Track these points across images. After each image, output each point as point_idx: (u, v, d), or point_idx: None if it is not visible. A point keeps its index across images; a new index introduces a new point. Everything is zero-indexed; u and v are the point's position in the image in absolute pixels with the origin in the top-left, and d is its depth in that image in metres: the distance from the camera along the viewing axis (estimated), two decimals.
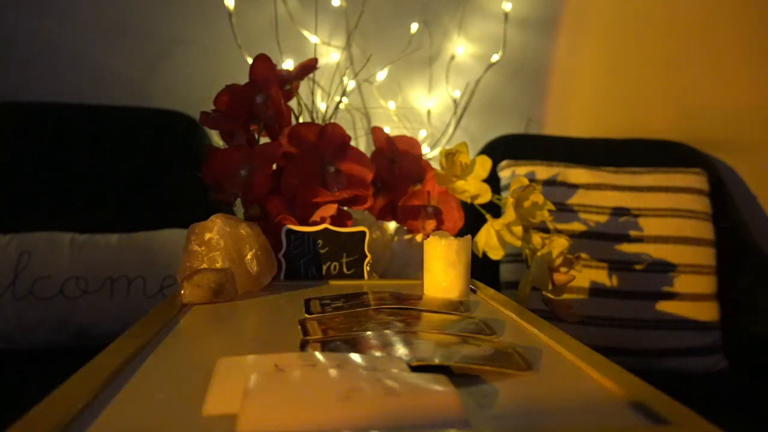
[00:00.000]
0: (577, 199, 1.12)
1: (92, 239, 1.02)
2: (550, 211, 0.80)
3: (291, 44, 1.33)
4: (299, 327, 0.51)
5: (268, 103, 0.83)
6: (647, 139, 1.32)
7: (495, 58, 1.37)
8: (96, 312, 0.97)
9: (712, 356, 1.04)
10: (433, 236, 0.66)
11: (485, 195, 0.86)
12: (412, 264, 0.91)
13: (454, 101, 1.38)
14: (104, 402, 0.35)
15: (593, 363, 0.43)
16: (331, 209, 0.81)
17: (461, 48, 1.38)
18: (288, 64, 1.28)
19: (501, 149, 1.26)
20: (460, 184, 0.85)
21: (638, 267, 1.06)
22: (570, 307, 0.80)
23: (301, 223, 0.78)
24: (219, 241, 0.65)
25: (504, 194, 1.15)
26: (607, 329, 1.05)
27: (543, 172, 1.14)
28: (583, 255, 1.06)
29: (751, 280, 1.14)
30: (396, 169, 0.93)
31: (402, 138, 0.97)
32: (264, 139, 0.87)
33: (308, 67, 0.93)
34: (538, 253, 0.79)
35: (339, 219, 0.82)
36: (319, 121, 1.26)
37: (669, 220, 1.09)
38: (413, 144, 0.96)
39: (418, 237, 0.92)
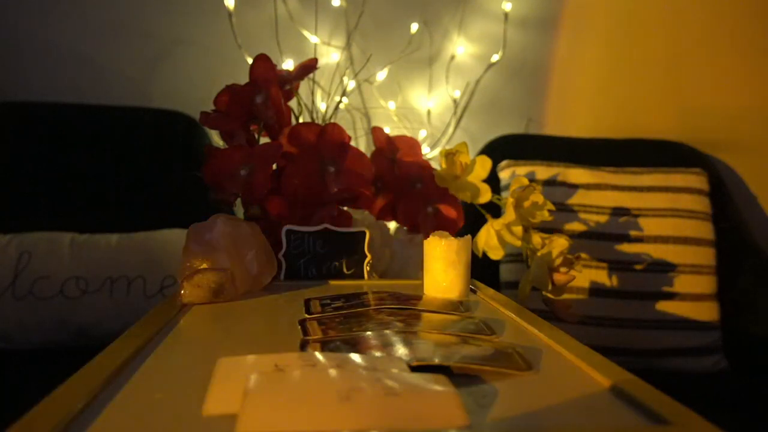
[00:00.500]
0: (577, 199, 1.12)
1: (92, 239, 1.02)
2: (550, 211, 0.80)
3: (291, 44, 1.33)
4: (299, 327, 0.51)
5: (268, 103, 0.83)
6: (647, 139, 1.32)
7: (495, 58, 1.37)
8: (96, 312, 0.97)
9: (712, 356, 1.04)
10: (433, 236, 0.66)
11: (485, 195, 0.86)
12: (412, 264, 0.91)
13: (454, 101, 1.38)
14: (104, 402, 0.35)
15: (593, 363, 0.43)
16: (331, 209, 0.81)
17: (461, 48, 1.38)
18: (288, 64, 1.28)
19: (501, 149, 1.26)
20: (460, 184, 0.85)
21: (638, 267, 1.06)
22: (570, 307, 0.80)
23: (301, 223, 0.78)
24: (219, 241, 0.64)
25: (504, 194, 1.15)
26: (607, 329, 1.05)
27: (543, 172, 1.14)
28: (583, 255, 1.06)
29: (751, 280, 1.14)
30: (396, 169, 0.93)
31: (402, 138, 0.97)
32: (264, 139, 0.87)
33: (308, 67, 0.92)
34: (538, 253, 0.79)
35: (339, 219, 0.82)
36: (319, 121, 1.26)
37: (669, 220, 1.09)
38: (413, 144, 0.96)
39: (418, 237, 0.92)
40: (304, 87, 1.24)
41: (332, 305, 0.59)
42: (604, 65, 1.40)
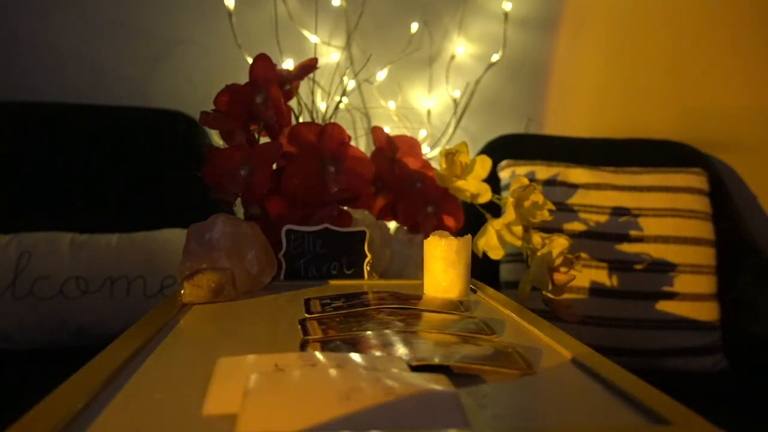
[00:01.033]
0: (577, 199, 1.12)
1: (92, 239, 1.02)
2: (550, 211, 0.80)
3: (291, 44, 1.33)
4: (299, 327, 0.51)
5: (268, 103, 0.83)
6: (647, 139, 1.32)
7: (495, 58, 1.37)
8: (96, 312, 0.97)
9: (712, 356, 1.04)
10: (433, 236, 0.66)
11: (485, 195, 0.86)
12: (412, 264, 0.91)
13: (454, 101, 1.38)
14: (104, 402, 0.35)
15: (593, 363, 0.43)
16: (331, 209, 0.81)
17: (461, 48, 1.38)
18: (288, 64, 1.28)
19: (501, 149, 1.26)
20: (460, 184, 0.85)
21: (638, 267, 1.06)
22: (570, 307, 0.80)
23: (301, 223, 0.78)
24: (219, 241, 0.64)
25: (504, 194, 1.15)
26: (607, 329, 1.05)
27: (543, 172, 1.14)
28: (583, 255, 1.06)
29: (751, 280, 1.14)
30: (396, 169, 0.93)
31: (402, 138, 0.97)
32: (264, 139, 0.87)
33: (308, 67, 0.93)
34: (538, 253, 0.79)
35: (339, 219, 0.82)
36: (319, 121, 1.26)
37: (669, 220, 1.09)
38: (413, 144, 0.96)
39: (418, 237, 0.92)
40: (304, 87, 1.24)
41: (332, 305, 0.59)
42: (604, 65, 1.40)
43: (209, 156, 0.81)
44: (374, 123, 1.37)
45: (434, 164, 1.00)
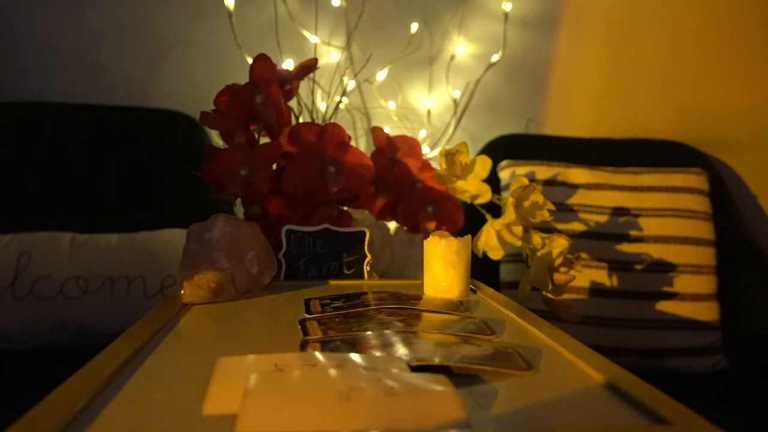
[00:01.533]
0: (577, 199, 1.12)
1: (92, 239, 1.02)
2: (550, 211, 0.80)
3: (291, 44, 1.33)
4: (299, 327, 0.51)
5: (268, 103, 0.83)
6: (647, 139, 1.32)
7: (495, 58, 1.37)
8: (96, 312, 0.97)
9: (712, 356, 1.04)
10: (433, 236, 0.66)
11: (485, 195, 0.86)
12: (412, 264, 0.91)
13: (454, 101, 1.38)
14: (104, 402, 0.35)
15: (593, 363, 0.43)
16: (331, 209, 0.81)
17: (461, 48, 1.38)
18: (288, 64, 1.28)
19: (501, 149, 1.26)
20: (460, 184, 0.85)
21: (638, 267, 1.06)
22: (570, 307, 0.80)
23: (301, 223, 0.78)
24: (219, 241, 0.64)
25: (504, 194, 1.15)
26: (607, 329, 1.05)
27: (543, 172, 1.14)
28: (583, 255, 1.06)
29: (751, 280, 1.14)
30: (396, 169, 0.93)
31: (402, 138, 0.97)
32: (264, 139, 0.87)
33: (308, 67, 0.92)
34: (538, 253, 0.79)
35: (339, 219, 0.82)
36: (319, 121, 1.26)
37: (669, 220, 1.09)
38: (413, 144, 0.96)
39: (418, 237, 0.92)
40: (304, 87, 1.24)
41: (332, 305, 0.59)
42: (604, 65, 1.40)
43: (209, 156, 0.81)
44: (374, 123, 1.37)
45: (434, 164, 1.00)
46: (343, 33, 1.35)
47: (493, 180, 0.99)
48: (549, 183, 1.13)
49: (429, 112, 1.39)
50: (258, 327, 0.55)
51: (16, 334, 0.96)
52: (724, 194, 1.22)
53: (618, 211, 1.10)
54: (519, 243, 0.81)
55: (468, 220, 0.93)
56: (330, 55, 1.35)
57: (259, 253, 0.67)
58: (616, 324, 1.04)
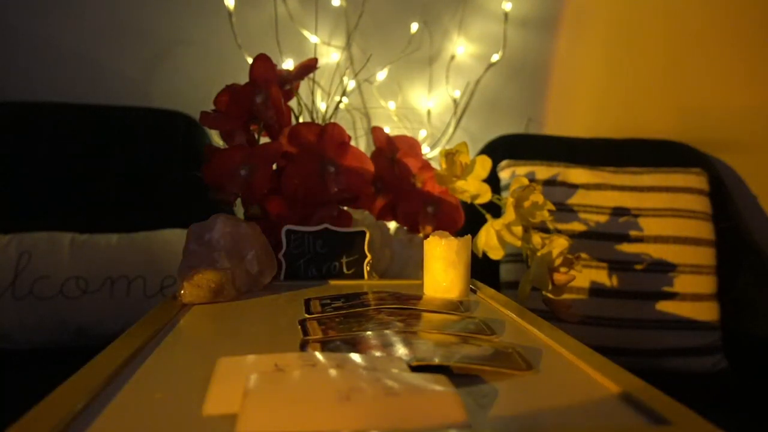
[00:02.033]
0: (577, 199, 1.12)
1: (92, 239, 1.02)
2: (550, 211, 0.80)
3: (291, 44, 1.33)
4: (299, 327, 0.51)
5: (268, 103, 0.83)
6: (647, 139, 1.32)
7: (495, 58, 1.37)
8: (96, 312, 0.97)
9: (712, 356, 1.04)
10: (433, 236, 0.66)
11: (485, 195, 0.86)
12: (412, 264, 0.91)
13: (454, 101, 1.38)
14: (104, 402, 0.35)
15: (593, 363, 0.43)
16: (331, 209, 0.81)
17: (461, 48, 1.38)
18: (288, 64, 1.28)
19: (501, 149, 1.26)
20: (460, 184, 0.85)
21: (638, 267, 1.06)
22: (570, 307, 0.80)
23: (301, 223, 0.78)
24: (219, 241, 0.64)
25: (504, 194, 1.15)
26: (607, 329, 1.05)
27: (543, 172, 1.14)
28: (583, 255, 1.06)
29: (751, 280, 1.14)
30: (396, 169, 0.93)
31: (402, 138, 0.97)
32: (264, 139, 0.87)
33: (308, 67, 0.92)
34: (538, 253, 0.79)
35: (339, 219, 0.82)
36: (319, 121, 1.26)
37: (669, 220, 1.09)
38: (413, 144, 0.96)
39: (418, 237, 0.92)
40: (304, 87, 1.24)
41: (332, 305, 0.59)
42: (604, 65, 1.40)
43: (209, 156, 0.81)
44: (374, 123, 1.37)
45: (434, 164, 1.00)
46: (343, 33, 1.35)
47: (493, 180, 0.99)
48: (549, 183, 1.13)
49: (429, 112, 1.39)
50: (258, 327, 0.55)
51: (16, 334, 0.96)
52: (724, 194, 1.22)
53: (618, 211, 1.10)
54: (519, 243, 0.81)
55: (468, 220, 0.93)
56: (330, 55, 1.35)
57: (259, 253, 0.67)
58: (616, 324, 1.04)
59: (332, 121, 1.21)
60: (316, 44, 1.33)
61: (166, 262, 1.01)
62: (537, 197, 0.80)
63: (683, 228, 1.09)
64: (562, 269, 0.78)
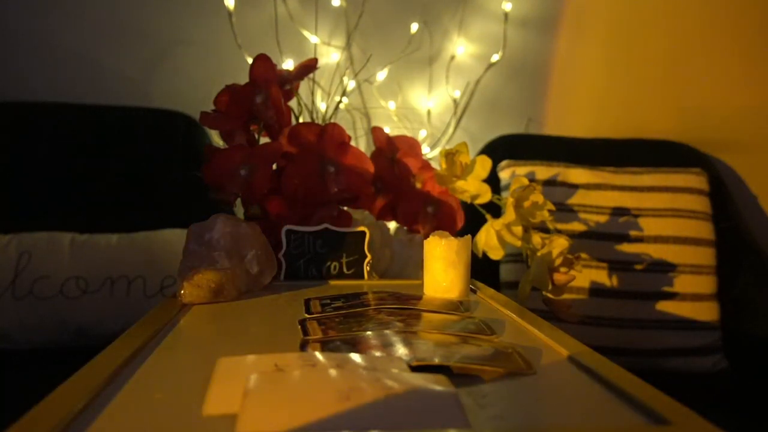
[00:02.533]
0: (577, 199, 1.12)
1: (92, 239, 1.02)
2: (550, 211, 0.80)
3: (291, 44, 1.33)
4: (299, 327, 0.51)
5: (268, 103, 0.83)
6: (647, 139, 1.32)
7: (495, 58, 1.37)
8: (96, 312, 0.97)
9: (712, 356, 1.04)
10: (433, 236, 0.66)
11: (485, 195, 0.86)
12: (412, 264, 0.91)
13: (454, 101, 1.38)
14: (104, 402, 0.35)
15: (593, 363, 0.43)
16: (331, 209, 0.81)
17: (461, 48, 1.38)
18: (288, 64, 1.28)
19: (501, 149, 1.26)
20: (460, 184, 0.85)
21: (638, 267, 1.06)
22: (570, 307, 0.80)
23: (301, 223, 0.78)
24: (219, 241, 0.64)
25: (504, 194, 1.15)
26: (607, 329, 1.05)
27: (543, 172, 1.14)
28: (583, 255, 1.06)
29: (751, 280, 1.14)
30: (396, 169, 0.93)
31: (402, 138, 0.97)
32: (264, 139, 0.87)
33: (308, 67, 0.92)
34: (538, 253, 0.79)
35: (339, 219, 0.82)
36: (319, 121, 1.26)
37: (669, 220, 1.09)
38: (413, 144, 0.96)
39: (418, 237, 0.91)
40: (304, 87, 1.24)
41: (332, 305, 0.59)
42: (604, 65, 1.40)
43: (209, 156, 0.81)
44: (374, 123, 1.37)
45: (434, 164, 1.00)
46: (343, 33, 1.35)
47: (493, 180, 0.99)
48: (549, 183, 1.13)
49: (429, 112, 1.39)
50: (258, 327, 0.55)
51: (16, 334, 0.96)
52: (724, 194, 1.22)
53: (618, 211, 1.10)
54: (519, 243, 0.81)
55: (468, 220, 0.93)
56: (330, 55, 1.35)
57: (259, 253, 0.67)
58: (616, 324, 1.04)
59: (332, 121, 1.21)
60: (316, 44, 1.33)
61: (166, 262, 1.01)
62: (537, 197, 0.80)
63: (683, 228, 1.09)
64: (562, 269, 0.78)
